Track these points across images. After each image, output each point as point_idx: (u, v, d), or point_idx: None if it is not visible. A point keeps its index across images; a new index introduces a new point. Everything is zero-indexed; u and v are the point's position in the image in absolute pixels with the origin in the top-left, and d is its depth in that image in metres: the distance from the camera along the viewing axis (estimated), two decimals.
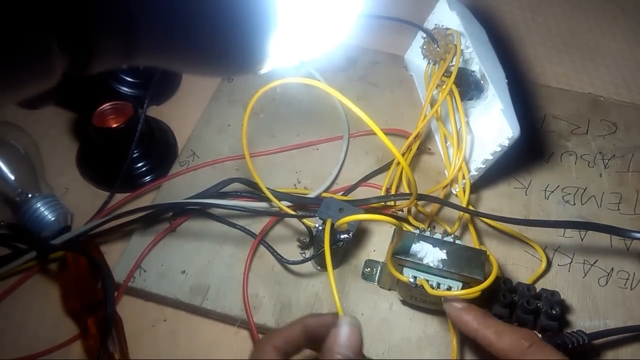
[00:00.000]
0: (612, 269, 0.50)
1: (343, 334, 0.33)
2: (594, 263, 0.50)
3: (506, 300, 0.44)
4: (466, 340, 0.45)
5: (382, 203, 0.51)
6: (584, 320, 0.47)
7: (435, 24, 0.57)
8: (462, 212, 0.51)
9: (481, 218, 0.51)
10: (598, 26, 0.74)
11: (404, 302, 0.47)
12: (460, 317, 0.40)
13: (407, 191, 0.51)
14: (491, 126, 0.52)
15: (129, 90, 0.58)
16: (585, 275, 0.50)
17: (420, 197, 0.49)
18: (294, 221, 0.51)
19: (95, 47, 0.19)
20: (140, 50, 0.21)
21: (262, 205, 0.50)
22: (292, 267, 0.48)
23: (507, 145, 0.48)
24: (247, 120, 0.46)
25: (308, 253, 0.49)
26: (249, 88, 0.60)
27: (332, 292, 0.36)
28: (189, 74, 0.64)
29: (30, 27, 0.17)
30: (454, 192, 0.54)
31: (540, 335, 0.45)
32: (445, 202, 0.51)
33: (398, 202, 0.51)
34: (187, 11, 0.20)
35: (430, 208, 0.52)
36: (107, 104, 0.52)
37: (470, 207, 0.52)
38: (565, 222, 0.52)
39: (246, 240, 0.50)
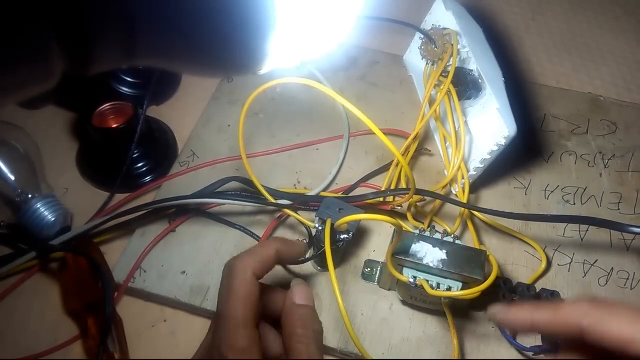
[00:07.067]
0: (612, 268, 0.50)
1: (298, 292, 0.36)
2: (594, 263, 0.50)
3: (506, 300, 0.44)
4: (465, 340, 0.45)
5: (381, 199, 0.51)
6: None
7: (433, 25, 0.57)
8: (462, 210, 0.51)
9: (481, 218, 0.51)
10: (599, 26, 0.74)
11: (404, 302, 0.47)
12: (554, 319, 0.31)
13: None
14: (488, 125, 0.52)
15: (129, 90, 0.58)
16: (586, 275, 0.50)
17: (419, 191, 0.48)
18: (294, 222, 0.51)
19: (95, 47, 0.19)
20: (140, 50, 0.21)
21: (258, 202, 0.50)
22: (292, 267, 0.48)
23: (504, 144, 0.48)
24: (246, 120, 0.46)
25: (308, 253, 0.49)
26: (249, 88, 0.60)
27: (334, 292, 0.36)
28: (189, 74, 0.64)
29: (30, 26, 0.17)
30: (454, 192, 0.54)
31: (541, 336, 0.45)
32: (442, 197, 0.51)
33: (397, 198, 0.51)
34: (186, 11, 0.20)
35: (430, 208, 0.52)
36: (107, 104, 0.52)
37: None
38: (564, 216, 0.52)
39: (246, 240, 0.50)
